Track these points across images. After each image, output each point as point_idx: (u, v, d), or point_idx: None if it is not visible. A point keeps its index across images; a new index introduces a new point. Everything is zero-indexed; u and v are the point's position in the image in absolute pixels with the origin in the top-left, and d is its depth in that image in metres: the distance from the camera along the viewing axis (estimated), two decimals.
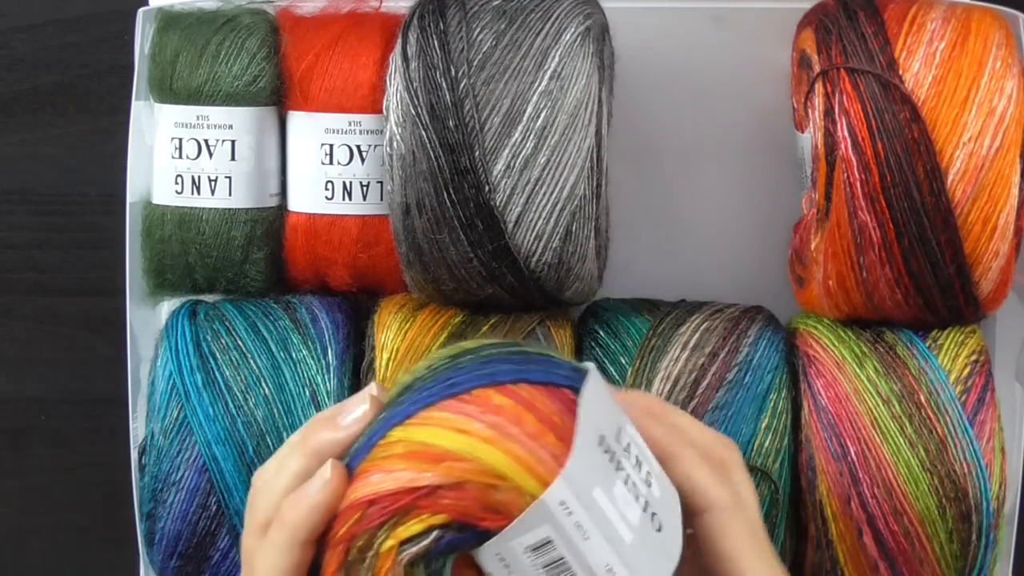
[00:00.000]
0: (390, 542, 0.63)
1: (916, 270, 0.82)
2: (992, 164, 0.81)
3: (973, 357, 0.86)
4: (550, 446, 0.63)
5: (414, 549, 0.63)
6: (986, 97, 0.82)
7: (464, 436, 0.63)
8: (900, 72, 0.82)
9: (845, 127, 0.82)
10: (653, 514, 0.65)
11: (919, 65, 0.82)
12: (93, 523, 1.08)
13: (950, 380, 0.84)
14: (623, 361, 0.87)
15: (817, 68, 0.84)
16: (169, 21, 0.91)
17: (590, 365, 0.67)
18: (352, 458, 0.66)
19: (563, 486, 0.62)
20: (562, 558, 0.63)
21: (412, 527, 0.63)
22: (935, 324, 0.87)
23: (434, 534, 0.63)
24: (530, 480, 0.62)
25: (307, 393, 0.86)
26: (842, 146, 0.82)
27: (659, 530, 0.65)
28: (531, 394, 0.64)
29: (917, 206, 0.81)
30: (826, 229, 0.84)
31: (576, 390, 0.65)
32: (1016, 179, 0.82)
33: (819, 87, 0.84)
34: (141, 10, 0.93)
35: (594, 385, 0.65)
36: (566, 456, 0.62)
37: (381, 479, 0.63)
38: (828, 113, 0.83)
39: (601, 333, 0.88)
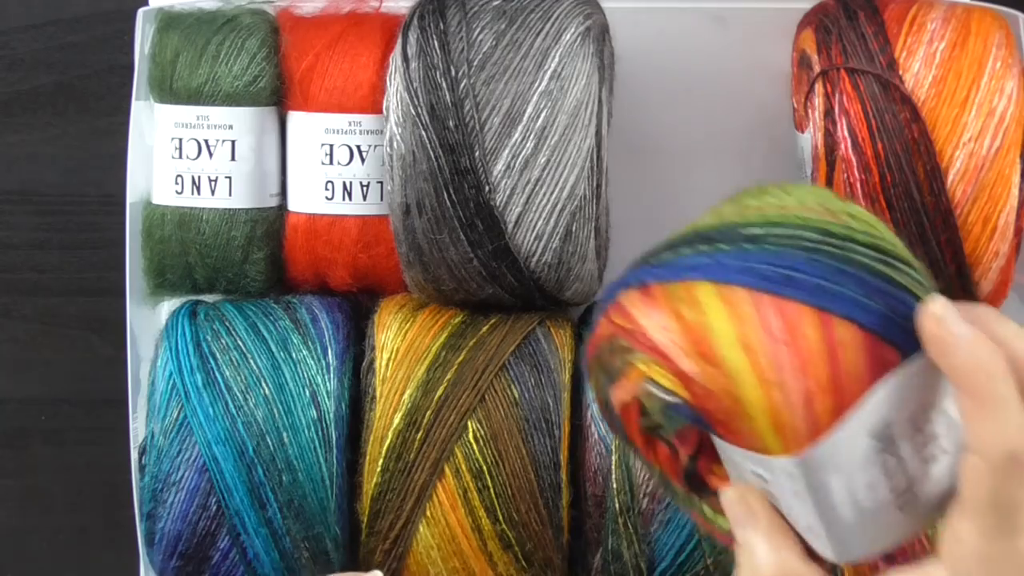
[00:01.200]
0: (643, 367, 0.60)
1: None
2: (992, 164, 0.81)
3: None
4: (818, 413, 0.58)
5: (656, 392, 0.60)
6: (986, 97, 0.82)
7: (743, 354, 0.58)
8: (900, 72, 0.82)
9: (845, 127, 0.82)
10: (907, 491, 0.60)
11: (919, 65, 0.82)
12: (93, 523, 1.08)
13: None
14: None
15: (817, 68, 0.84)
16: (169, 21, 0.91)
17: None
18: (643, 268, 0.63)
19: (794, 465, 0.58)
20: (771, 493, 0.61)
21: (661, 378, 0.60)
22: None
23: (673, 400, 0.60)
24: (771, 435, 0.58)
25: (307, 393, 0.86)
26: (842, 146, 0.82)
27: (902, 508, 0.60)
28: (846, 339, 0.58)
29: (917, 206, 0.81)
30: None
31: (904, 353, 0.58)
32: (1016, 179, 0.82)
33: (819, 87, 0.84)
34: (141, 10, 0.93)
35: (923, 366, 0.58)
36: (825, 435, 0.58)
37: (660, 321, 0.60)
38: (828, 113, 0.83)
39: None
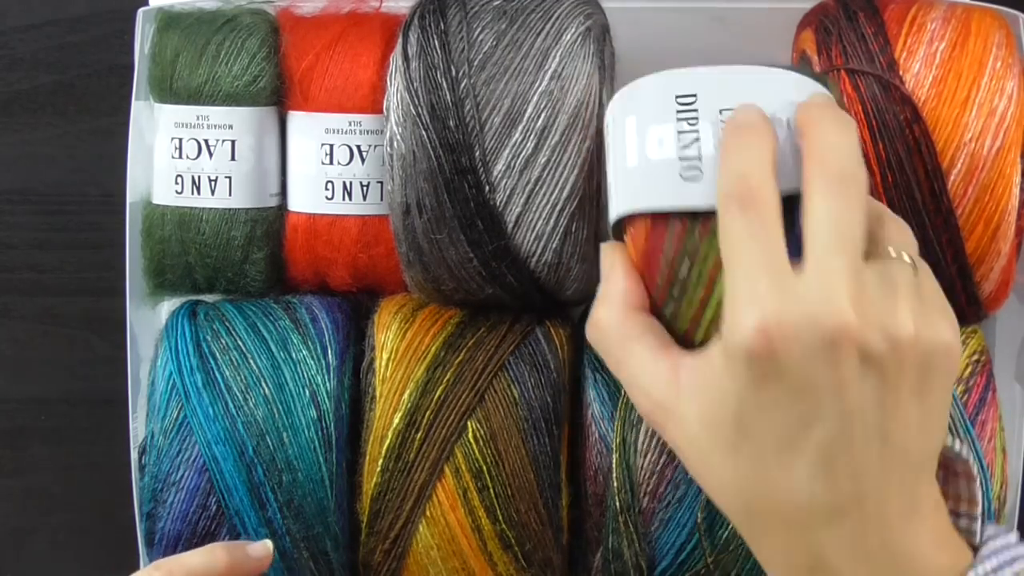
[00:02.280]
0: None
1: None
2: (993, 164, 0.81)
3: (974, 357, 0.86)
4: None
5: None
6: (987, 97, 0.82)
7: None
8: (900, 73, 0.82)
9: None
10: (694, 166, 0.68)
11: (919, 66, 0.82)
12: (93, 523, 1.08)
13: None
14: None
15: (817, 69, 0.84)
16: (169, 21, 0.91)
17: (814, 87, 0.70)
18: None
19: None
20: None
21: None
22: None
23: None
24: None
25: (307, 393, 0.86)
26: None
27: (684, 178, 0.68)
28: None
29: (918, 207, 0.81)
30: None
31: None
32: (1017, 179, 0.82)
33: None
34: (141, 10, 0.92)
35: (765, 73, 0.70)
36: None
37: None
38: None
39: None
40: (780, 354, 0.63)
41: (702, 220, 0.68)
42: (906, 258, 0.67)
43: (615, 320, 0.71)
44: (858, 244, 0.65)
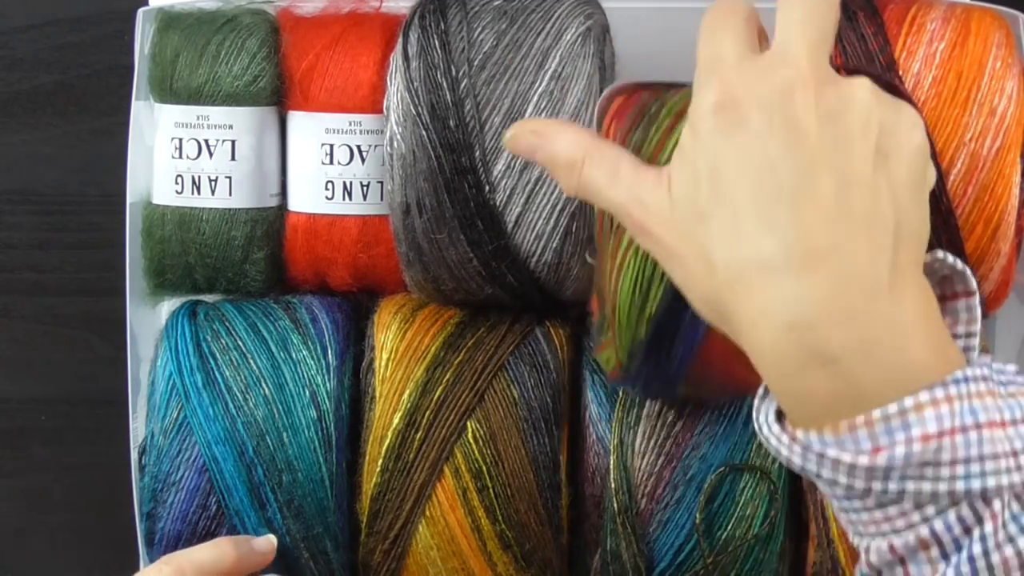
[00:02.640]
0: None
1: None
2: (993, 164, 0.81)
3: None
4: None
5: None
6: (986, 97, 0.81)
7: None
8: (900, 73, 0.82)
9: None
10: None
11: (919, 66, 0.82)
12: (93, 523, 1.08)
13: None
14: None
15: None
16: (169, 21, 0.91)
17: None
18: None
19: None
20: None
21: None
22: None
23: None
24: None
25: (307, 393, 0.86)
26: None
27: None
28: None
29: None
30: None
31: None
32: (1017, 179, 0.82)
33: None
34: (141, 10, 0.92)
35: None
36: None
37: None
38: None
39: None
40: (742, 104, 0.66)
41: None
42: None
43: (596, 155, 0.72)
44: (825, 31, 0.68)
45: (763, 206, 0.65)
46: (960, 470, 0.63)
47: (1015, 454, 0.63)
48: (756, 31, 0.70)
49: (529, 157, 0.74)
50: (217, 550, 0.83)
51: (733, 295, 0.67)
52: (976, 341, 0.71)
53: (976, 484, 0.63)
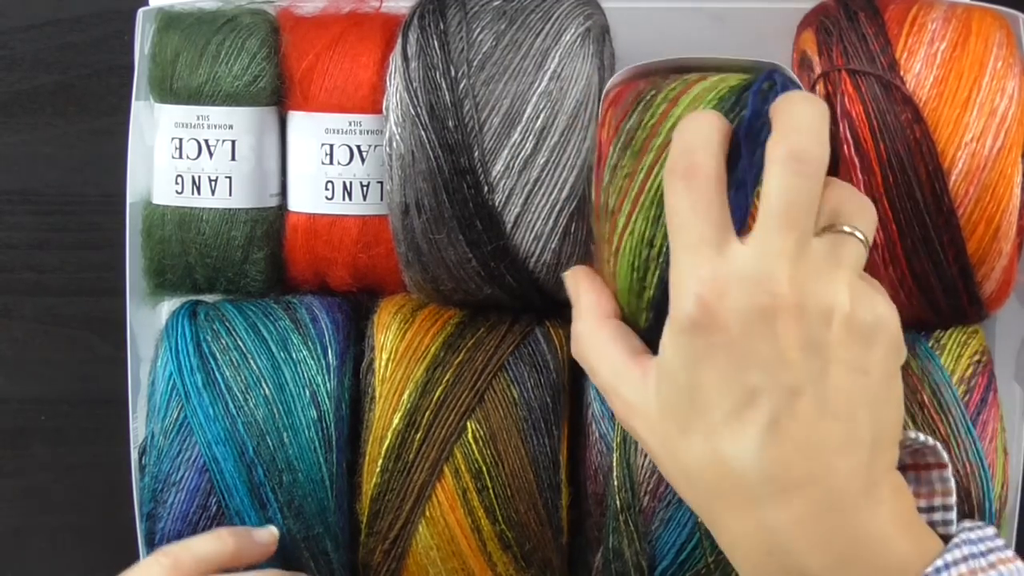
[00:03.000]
0: None
1: (919, 271, 0.82)
2: (994, 164, 0.81)
3: (976, 357, 0.86)
4: None
5: None
6: (987, 97, 0.82)
7: None
8: (901, 73, 0.82)
9: (847, 129, 0.82)
10: None
11: (920, 66, 0.82)
12: (93, 523, 1.08)
13: (953, 380, 0.84)
14: None
15: (818, 70, 0.84)
16: (169, 21, 0.91)
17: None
18: None
19: None
20: None
21: None
22: (937, 324, 0.87)
23: None
24: None
25: (307, 393, 0.86)
26: (844, 148, 0.82)
27: None
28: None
29: (920, 207, 0.81)
30: None
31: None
32: (1018, 179, 0.82)
33: (820, 89, 0.84)
34: (141, 10, 0.92)
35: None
36: None
37: None
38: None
39: None
40: (720, 323, 0.65)
41: None
42: (859, 235, 0.69)
43: (589, 329, 0.74)
44: (806, 220, 0.67)
45: (742, 431, 0.66)
46: None
47: None
48: (726, 202, 0.68)
49: None
50: (217, 542, 0.83)
51: (711, 511, 0.69)
52: (953, 514, 0.73)
53: None
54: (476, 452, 0.85)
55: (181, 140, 0.90)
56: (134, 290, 0.93)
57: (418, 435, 0.85)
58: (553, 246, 0.83)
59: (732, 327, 0.65)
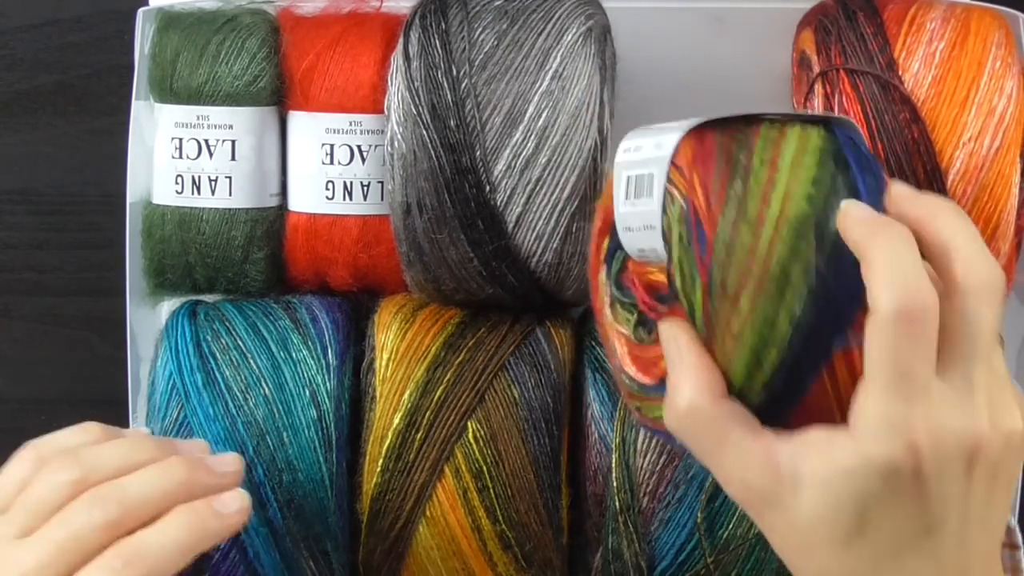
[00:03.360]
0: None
1: None
2: (992, 164, 0.81)
3: None
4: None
5: None
6: (986, 97, 0.82)
7: None
8: (899, 72, 0.82)
9: None
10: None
11: (918, 65, 0.82)
12: None
13: None
14: None
15: (817, 69, 0.84)
16: (169, 21, 0.91)
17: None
18: None
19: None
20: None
21: None
22: None
23: None
24: None
25: (307, 393, 0.86)
26: None
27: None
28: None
29: None
30: None
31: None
32: (1016, 179, 0.82)
33: (819, 88, 0.84)
34: (141, 10, 0.93)
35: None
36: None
37: None
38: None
39: None
40: (924, 470, 0.63)
41: None
42: (1002, 342, 0.68)
43: (705, 409, 0.66)
44: (997, 350, 0.65)
45: (908, 559, 0.65)
46: None
47: None
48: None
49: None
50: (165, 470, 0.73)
51: None
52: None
53: None
54: (477, 452, 0.85)
55: (181, 140, 0.90)
56: (134, 290, 0.93)
57: (419, 435, 0.85)
58: (555, 246, 0.83)
59: (934, 474, 0.63)
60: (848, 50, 0.83)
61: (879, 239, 0.62)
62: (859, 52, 0.83)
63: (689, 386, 0.66)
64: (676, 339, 0.67)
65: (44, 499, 0.70)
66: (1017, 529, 0.74)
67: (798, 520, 0.65)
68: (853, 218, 0.63)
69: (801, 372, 0.64)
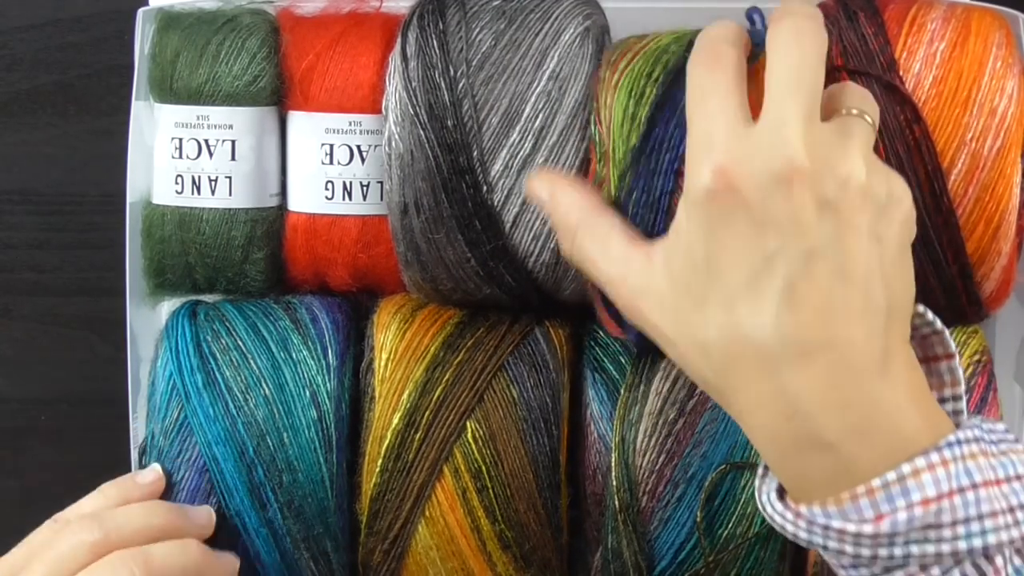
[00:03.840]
0: None
1: (918, 270, 0.82)
2: (993, 164, 0.81)
3: (976, 357, 0.86)
4: None
5: None
6: (987, 97, 0.81)
7: None
8: (900, 73, 0.82)
9: None
10: None
11: (919, 66, 0.82)
12: None
13: None
14: (623, 360, 0.87)
15: None
16: (169, 21, 0.91)
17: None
18: None
19: None
20: None
21: None
22: None
23: None
24: None
25: (307, 394, 0.86)
26: None
27: None
28: None
29: (919, 207, 0.81)
30: None
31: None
32: (1018, 179, 0.82)
33: None
34: (141, 10, 0.92)
35: None
36: None
37: None
38: None
39: (601, 332, 0.88)
40: (738, 190, 0.67)
41: None
42: (867, 118, 0.71)
43: (584, 221, 0.74)
44: (814, 93, 0.69)
45: (760, 297, 0.67)
46: (961, 530, 0.65)
47: (1012, 510, 0.66)
48: (745, 89, 0.71)
49: (539, 207, 0.78)
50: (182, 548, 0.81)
51: (728, 381, 0.69)
52: (963, 404, 0.73)
53: (977, 542, 0.65)
54: (476, 452, 0.85)
55: (181, 140, 0.90)
56: (134, 290, 0.93)
57: (418, 435, 0.85)
58: (552, 245, 0.83)
59: (749, 193, 0.67)
60: (849, 50, 0.83)
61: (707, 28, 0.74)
62: (860, 52, 0.82)
63: (565, 206, 0.75)
64: (545, 178, 0.78)
65: (65, 557, 0.76)
66: (948, 336, 0.74)
67: (664, 298, 0.70)
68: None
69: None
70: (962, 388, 0.73)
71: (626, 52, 0.82)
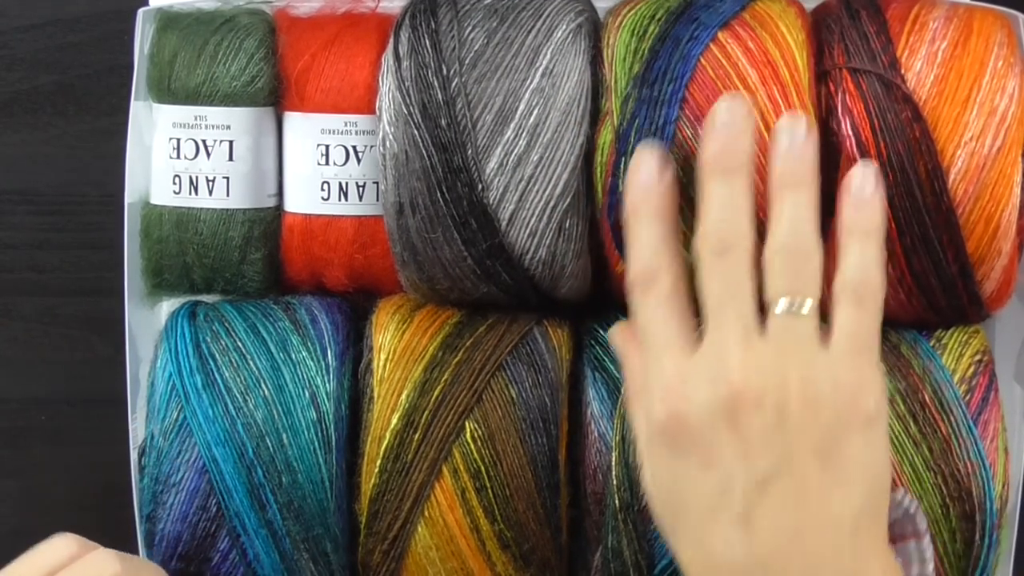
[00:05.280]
0: None
1: (919, 270, 0.82)
2: (994, 163, 0.81)
3: (977, 357, 0.86)
4: None
5: None
6: (988, 96, 0.81)
7: None
8: (902, 72, 0.82)
9: (848, 127, 0.81)
10: None
11: (921, 64, 0.82)
12: (93, 523, 1.08)
13: (954, 380, 0.84)
14: None
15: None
16: (168, 21, 0.91)
17: None
18: None
19: None
20: None
21: None
22: (938, 324, 0.87)
23: None
24: None
25: (307, 394, 0.86)
26: (846, 146, 0.81)
27: None
28: None
29: (919, 206, 0.81)
30: (829, 229, 0.84)
31: None
32: (1018, 178, 0.82)
33: (821, 87, 0.83)
34: (141, 10, 0.93)
35: None
36: None
37: None
38: (831, 113, 0.82)
39: (600, 331, 0.88)
40: (687, 426, 0.68)
41: None
42: (804, 310, 0.71)
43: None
44: (747, 311, 0.69)
45: (720, 528, 0.68)
46: None
47: None
48: (685, 304, 0.72)
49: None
50: None
51: None
52: None
53: None
54: (475, 452, 0.85)
55: (179, 140, 0.90)
56: (132, 290, 0.93)
57: (416, 435, 0.85)
58: (548, 243, 0.83)
59: (697, 429, 0.68)
60: (851, 49, 0.83)
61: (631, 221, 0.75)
62: (862, 51, 0.82)
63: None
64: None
65: None
66: (921, 514, 0.74)
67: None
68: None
69: None
70: (930, 567, 0.75)
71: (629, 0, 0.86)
